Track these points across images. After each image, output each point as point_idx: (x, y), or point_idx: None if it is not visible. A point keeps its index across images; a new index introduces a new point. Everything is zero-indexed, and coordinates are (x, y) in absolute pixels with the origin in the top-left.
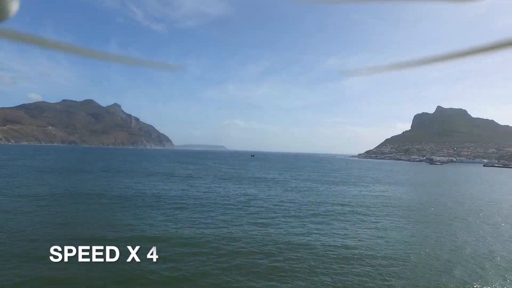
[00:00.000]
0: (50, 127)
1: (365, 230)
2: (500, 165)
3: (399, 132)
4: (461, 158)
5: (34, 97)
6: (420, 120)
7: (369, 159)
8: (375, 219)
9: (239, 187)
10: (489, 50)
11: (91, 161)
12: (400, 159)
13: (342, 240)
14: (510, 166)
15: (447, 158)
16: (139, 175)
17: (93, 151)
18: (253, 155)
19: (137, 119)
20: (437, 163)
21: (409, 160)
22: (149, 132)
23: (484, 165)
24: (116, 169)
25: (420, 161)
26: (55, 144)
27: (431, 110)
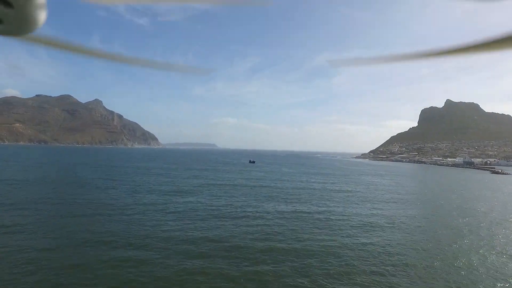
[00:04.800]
0: (17, 124)
1: None
2: None
3: (393, 130)
4: (496, 160)
5: (11, 93)
6: (427, 115)
7: (382, 162)
8: None
9: None
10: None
11: None
12: (421, 161)
13: None
14: None
15: (479, 160)
16: None
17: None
18: (253, 161)
19: (120, 116)
20: (502, 172)
21: (436, 164)
22: (133, 130)
23: None
24: None
25: (454, 165)
26: (21, 143)
27: (424, 107)
